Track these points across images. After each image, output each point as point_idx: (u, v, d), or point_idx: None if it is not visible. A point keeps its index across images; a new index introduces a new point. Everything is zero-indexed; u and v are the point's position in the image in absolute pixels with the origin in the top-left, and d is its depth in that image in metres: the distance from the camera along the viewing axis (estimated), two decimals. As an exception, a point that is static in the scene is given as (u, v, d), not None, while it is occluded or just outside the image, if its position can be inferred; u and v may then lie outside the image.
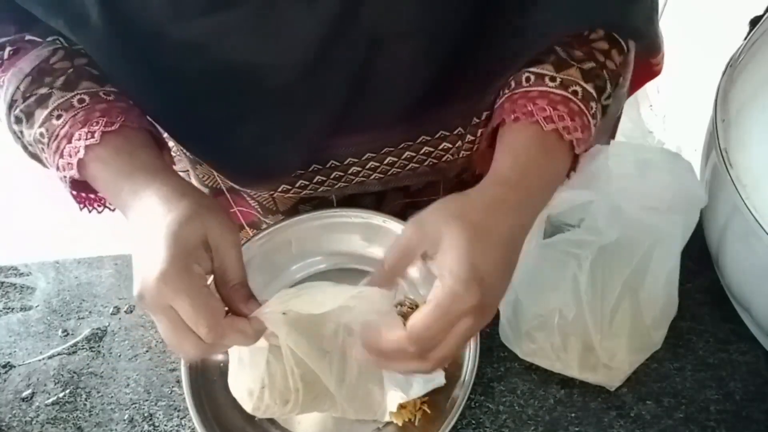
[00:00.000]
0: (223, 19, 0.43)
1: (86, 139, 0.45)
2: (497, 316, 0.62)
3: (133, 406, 0.62)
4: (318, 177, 0.64)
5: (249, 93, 0.50)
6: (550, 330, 0.56)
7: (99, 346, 0.67)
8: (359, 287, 0.45)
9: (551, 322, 0.56)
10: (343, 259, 0.71)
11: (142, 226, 0.43)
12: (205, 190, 0.75)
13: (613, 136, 0.69)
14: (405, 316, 0.44)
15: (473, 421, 0.58)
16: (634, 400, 0.58)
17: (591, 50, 0.49)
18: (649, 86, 2.41)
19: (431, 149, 0.61)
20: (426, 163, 0.63)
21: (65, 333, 0.68)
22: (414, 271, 0.65)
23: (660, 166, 0.56)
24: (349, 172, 0.63)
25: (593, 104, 0.48)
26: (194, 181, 0.76)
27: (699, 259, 0.54)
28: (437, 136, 0.60)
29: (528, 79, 0.48)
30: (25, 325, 0.70)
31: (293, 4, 0.44)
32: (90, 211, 0.55)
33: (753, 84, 0.56)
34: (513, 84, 0.50)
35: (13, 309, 0.71)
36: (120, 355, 0.66)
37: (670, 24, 2.03)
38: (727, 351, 0.61)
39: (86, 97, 0.48)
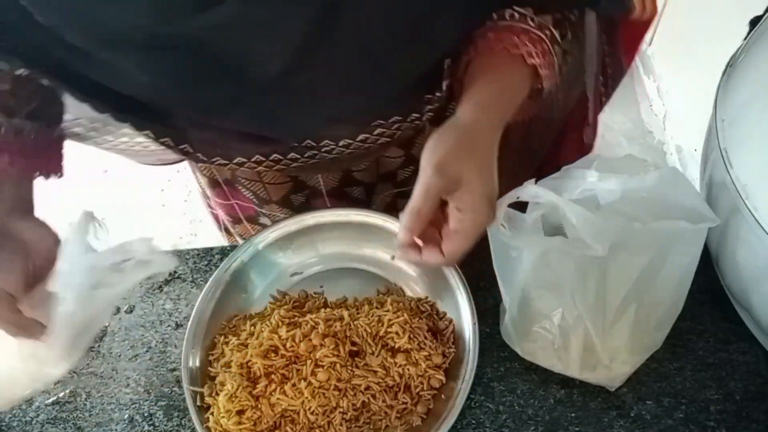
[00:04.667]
0: (213, 15, 0.44)
1: None
2: (499, 315, 0.62)
3: (133, 406, 0.62)
4: (291, 153, 0.66)
5: (240, 81, 0.51)
6: (552, 330, 0.57)
7: (99, 346, 0.67)
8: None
9: (552, 322, 0.56)
10: (342, 259, 0.71)
11: None
12: (204, 180, 0.82)
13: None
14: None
15: (473, 421, 0.58)
16: (634, 400, 0.58)
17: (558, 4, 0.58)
18: (649, 86, 2.40)
19: (401, 122, 0.65)
20: (395, 136, 0.67)
21: (65, 333, 0.68)
22: (411, 270, 0.66)
23: (658, 189, 0.55)
24: (323, 150, 0.66)
25: (557, 47, 0.56)
26: (196, 171, 0.83)
27: (699, 259, 0.54)
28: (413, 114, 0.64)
29: (513, 16, 0.55)
30: (25, 325, 0.70)
31: None
32: None
33: (753, 84, 0.56)
34: (495, 17, 0.56)
35: (13, 309, 0.71)
36: (120, 355, 0.66)
37: (670, 24, 2.04)
38: (727, 351, 0.61)
39: None
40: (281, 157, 0.66)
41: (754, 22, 0.62)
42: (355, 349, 0.60)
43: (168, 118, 0.60)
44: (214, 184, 0.82)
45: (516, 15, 0.55)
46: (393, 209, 0.73)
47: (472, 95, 0.55)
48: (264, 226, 0.85)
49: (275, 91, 0.53)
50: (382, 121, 0.64)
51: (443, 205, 0.53)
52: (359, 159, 0.71)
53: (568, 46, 0.58)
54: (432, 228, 0.54)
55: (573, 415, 0.58)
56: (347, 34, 0.49)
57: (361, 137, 0.65)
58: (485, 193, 0.51)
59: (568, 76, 0.63)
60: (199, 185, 0.89)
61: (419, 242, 0.54)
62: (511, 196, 0.55)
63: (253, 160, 0.66)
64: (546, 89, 0.57)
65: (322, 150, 0.66)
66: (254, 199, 0.80)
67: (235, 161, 0.66)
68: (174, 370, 0.64)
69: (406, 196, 0.65)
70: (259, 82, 0.51)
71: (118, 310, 0.70)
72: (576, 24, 0.59)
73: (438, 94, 0.61)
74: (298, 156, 0.66)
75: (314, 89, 0.54)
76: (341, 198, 0.78)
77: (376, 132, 0.65)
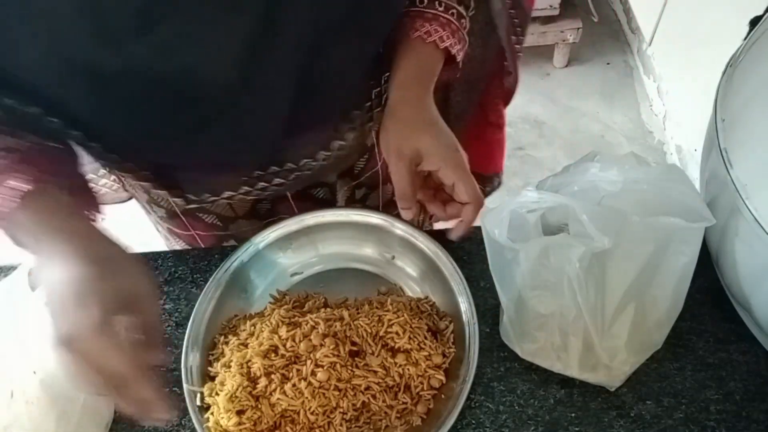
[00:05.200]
0: (153, 37, 0.44)
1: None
2: (499, 315, 0.62)
3: (133, 406, 0.62)
4: (276, 179, 0.68)
5: (195, 103, 0.52)
6: (551, 330, 0.56)
7: (99, 346, 0.67)
8: None
9: (552, 322, 0.56)
10: (342, 259, 0.71)
11: (62, 283, 0.45)
12: (161, 212, 0.77)
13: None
14: None
15: (473, 421, 0.58)
16: (634, 400, 0.58)
17: None
18: (649, 86, 2.40)
19: (360, 115, 0.68)
20: (364, 128, 0.70)
21: (65, 333, 0.68)
22: (411, 270, 0.66)
23: (658, 184, 0.55)
24: (305, 168, 0.68)
25: (464, 21, 0.63)
26: (147, 205, 0.78)
27: (699, 259, 0.54)
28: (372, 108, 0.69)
29: (422, 0, 0.61)
30: (25, 325, 0.70)
31: (215, 13, 0.45)
32: None
33: (753, 84, 0.56)
34: (408, 1, 0.62)
35: (13, 309, 0.71)
36: (120, 355, 0.66)
37: (670, 24, 2.03)
38: (727, 351, 0.61)
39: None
40: (267, 184, 0.68)
41: (754, 22, 0.62)
42: (355, 349, 0.60)
43: (152, 155, 0.61)
44: (171, 214, 0.77)
45: (425, 0, 0.61)
46: (353, 200, 0.79)
47: (395, 79, 0.61)
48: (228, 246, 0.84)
49: (233, 104, 0.53)
50: (351, 125, 0.67)
51: (428, 178, 0.61)
52: (337, 166, 0.74)
53: (473, 14, 0.66)
54: (440, 204, 0.62)
55: (573, 415, 0.58)
56: (288, 34, 0.49)
57: (335, 144, 0.67)
58: (444, 144, 0.59)
59: (480, 35, 0.71)
60: (152, 220, 0.84)
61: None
62: (513, 203, 0.55)
63: (241, 192, 0.68)
64: (459, 59, 0.64)
65: (303, 169, 0.68)
66: (218, 222, 0.77)
67: (224, 195, 0.68)
68: (174, 370, 0.64)
69: (363, 185, 0.79)
70: (214, 99, 0.51)
71: (118, 310, 0.70)
72: None
73: (387, 77, 0.65)
74: (283, 180, 0.68)
75: (270, 93, 0.54)
76: (306, 200, 0.77)
77: (350, 138, 0.68)
